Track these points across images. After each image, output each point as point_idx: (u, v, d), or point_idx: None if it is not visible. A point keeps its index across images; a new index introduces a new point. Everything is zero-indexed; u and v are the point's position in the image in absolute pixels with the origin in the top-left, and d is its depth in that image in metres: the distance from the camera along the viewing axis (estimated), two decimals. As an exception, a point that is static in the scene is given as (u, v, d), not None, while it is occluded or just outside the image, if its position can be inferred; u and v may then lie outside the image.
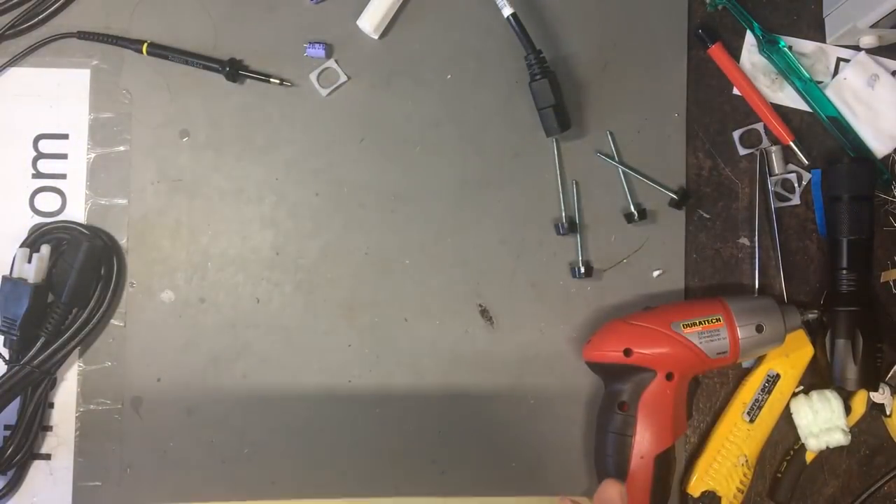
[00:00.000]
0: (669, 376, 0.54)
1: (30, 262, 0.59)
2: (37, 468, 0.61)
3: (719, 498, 0.58)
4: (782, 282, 0.60)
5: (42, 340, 0.58)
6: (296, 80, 0.62)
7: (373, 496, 0.60)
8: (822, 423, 0.58)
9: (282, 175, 0.62)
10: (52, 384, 0.61)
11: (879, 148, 0.60)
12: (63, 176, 0.62)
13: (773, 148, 0.61)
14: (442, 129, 0.61)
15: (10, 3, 0.62)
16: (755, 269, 0.60)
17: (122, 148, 0.62)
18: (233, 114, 0.62)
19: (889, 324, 0.60)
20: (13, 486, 0.60)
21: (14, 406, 0.59)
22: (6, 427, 0.60)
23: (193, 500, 0.60)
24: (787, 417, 0.59)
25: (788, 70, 0.60)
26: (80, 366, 0.61)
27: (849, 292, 0.57)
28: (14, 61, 0.62)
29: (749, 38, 0.61)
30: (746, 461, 0.58)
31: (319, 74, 0.62)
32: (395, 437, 0.60)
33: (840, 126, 0.60)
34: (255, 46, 0.62)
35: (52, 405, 0.61)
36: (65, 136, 0.63)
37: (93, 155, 0.62)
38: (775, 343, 0.56)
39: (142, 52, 0.61)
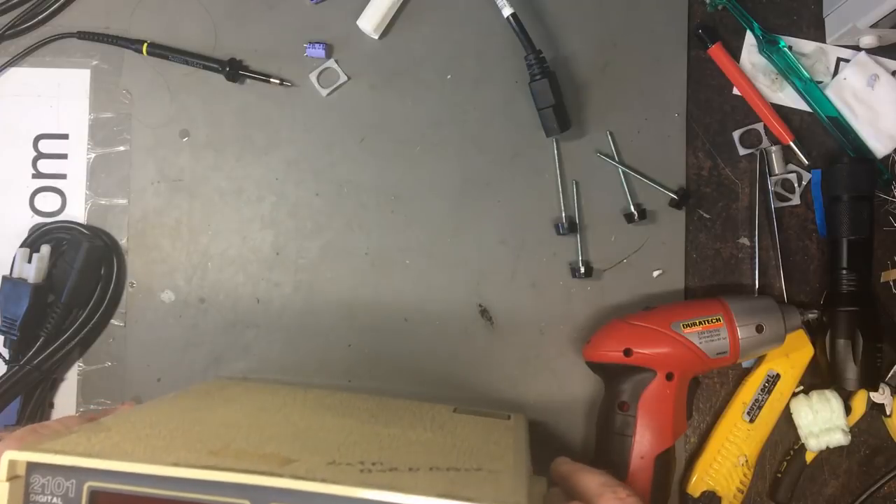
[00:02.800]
0: (669, 376, 0.54)
1: (30, 262, 0.59)
2: (37, 468, 0.61)
3: (719, 498, 0.58)
4: (782, 282, 0.60)
5: (42, 340, 0.58)
6: (296, 80, 0.62)
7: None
8: (822, 423, 0.58)
9: (282, 175, 0.62)
10: (52, 384, 0.61)
11: (879, 148, 0.60)
12: (63, 176, 0.63)
13: (773, 148, 0.61)
14: (442, 129, 0.61)
15: (10, 3, 0.62)
16: (755, 269, 0.60)
17: (122, 148, 0.62)
18: (233, 114, 0.62)
19: (889, 324, 0.60)
20: (13, 486, 0.60)
21: (14, 406, 0.59)
22: (6, 427, 0.60)
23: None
24: (787, 417, 0.59)
25: (788, 70, 0.60)
26: (80, 366, 0.61)
27: (849, 292, 0.57)
28: (14, 61, 0.62)
29: (749, 38, 0.61)
30: (746, 461, 0.58)
31: (319, 74, 0.62)
32: (395, 437, 0.60)
33: (840, 126, 0.60)
34: (255, 46, 0.62)
35: (52, 405, 0.61)
36: (65, 136, 0.63)
37: (93, 155, 0.62)
38: (775, 343, 0.56)
39: (142, 52, 0.61)
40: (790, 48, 0.61)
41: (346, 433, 0.44)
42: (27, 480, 0.35)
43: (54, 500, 0.35)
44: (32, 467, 0.35)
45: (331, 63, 0.61)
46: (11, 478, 0.35)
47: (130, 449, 0.35)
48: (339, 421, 0.47)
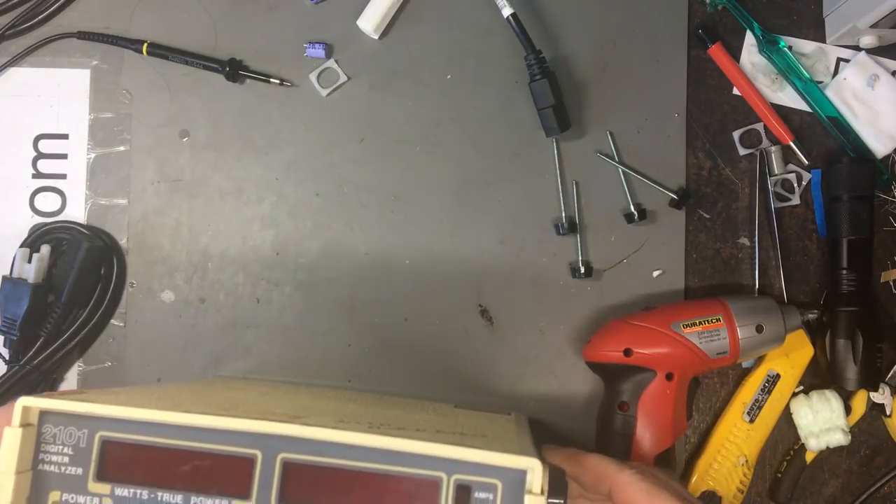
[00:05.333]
0: (669, 376, 0.54)
1: (30, 262, 0.59)
2: (37, 468, 0.61)
3: (719, 498, 0.58)
4: (782, 282, 0.60)
5: (42, 340, 0.58)
6: (296, 80, 0.62)
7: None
8: (822, 423, 0.58)
9: (282, 175, 0.62)
10: (52, 384, 0.61)
11: (879, 148, 0.60)
12: (63, 176, 0.63)
13: (773, 148, 0.61)
14: (442, 129, 0.61)
15: (10, 3, 0.62)
16: (755, 269, 0.60)
17: (122, 148, 0.62)
18: (233, 114, 0.62)
19: (889, 324, 0.60)
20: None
21: (14, 406, 0.59)
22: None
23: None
24: (787, 417, 0.59)
25: (788, 70, 0.60)
26: (80, 366, 0.61)
27: (849, 292, 0.57)
28: (14, 61, 0.62)
29: (749, 38, 0.61)
30: (746, 461, 0.58)
31: (319, 74, 0.62)
32: (395, 437, 0.60)
33: (840, 126, 0.60)
34: (255, 46, 0.62)
35: (52, 405, 0.61)
36: (65, 136, 0.63)
37: (93, 155, 0.62)
38: (775, 343, 0.56)
39: (142, 52, 0.61)
40: (790, 48, 0.61)
41: (350, 411, 0.44)
42: (39, 430, 0.35)
43: (65, 449, 0.35)
44: (45, 416, 0.35)
45: (331, 63, 0.61)
46: (24, 425, 0.34)
47: (141, 406, 0.35)
48: (343, 404, 0.48)
